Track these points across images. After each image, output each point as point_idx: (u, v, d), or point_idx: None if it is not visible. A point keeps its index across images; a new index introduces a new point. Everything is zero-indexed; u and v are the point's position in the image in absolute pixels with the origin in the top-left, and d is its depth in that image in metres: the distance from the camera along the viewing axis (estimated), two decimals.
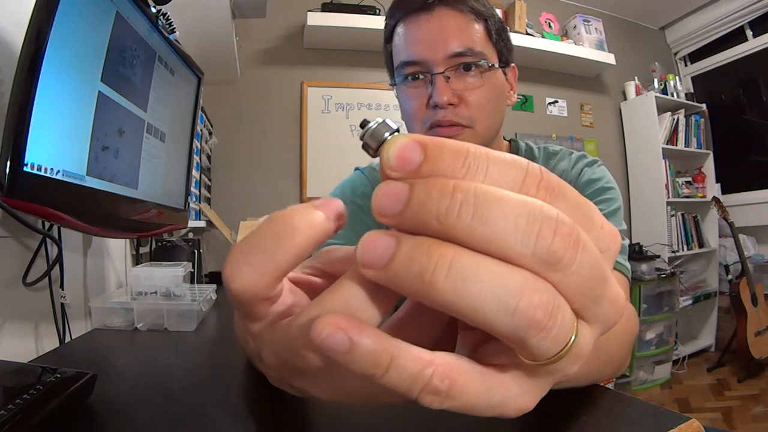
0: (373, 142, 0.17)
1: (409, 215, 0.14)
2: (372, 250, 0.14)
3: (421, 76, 0.62)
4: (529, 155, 0.72)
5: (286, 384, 0.21)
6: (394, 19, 0.65)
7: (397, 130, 0.17)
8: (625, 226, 0.64)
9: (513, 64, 0.68)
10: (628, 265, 0.59)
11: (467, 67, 0.60)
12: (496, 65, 0.63)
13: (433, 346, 0.17)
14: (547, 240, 0.14)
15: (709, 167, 2.99)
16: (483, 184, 0.14)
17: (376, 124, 0.17)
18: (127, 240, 1.00)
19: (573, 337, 0.15)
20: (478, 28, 0.62)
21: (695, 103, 3.01)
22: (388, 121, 0.17)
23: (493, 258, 0.14)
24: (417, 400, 0.15)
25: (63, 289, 0.66)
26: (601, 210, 0.65)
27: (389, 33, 0.67)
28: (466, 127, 0.61)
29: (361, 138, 0.17)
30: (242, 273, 0.17)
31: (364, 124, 0.18)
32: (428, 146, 0.15)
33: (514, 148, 0.73)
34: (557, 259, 0.14)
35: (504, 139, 0.74)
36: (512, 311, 0.14)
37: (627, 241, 0.63)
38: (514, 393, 0.16)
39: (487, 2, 0.64)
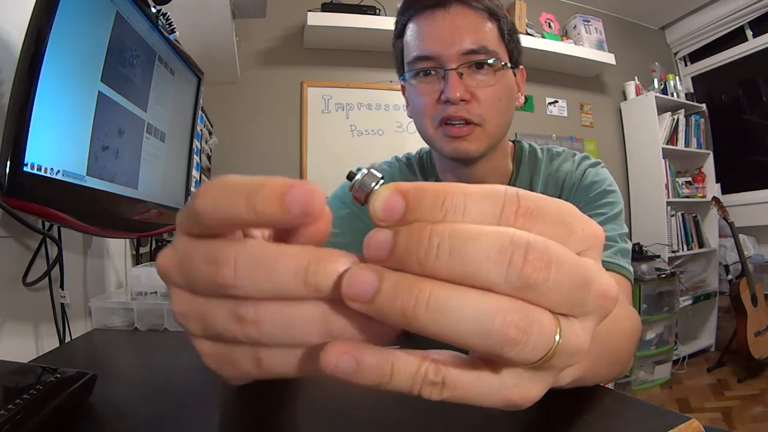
0: (361, 194, 0.18)
1: (395, 260, 0.16)
2: (356, 286, 0.16)
3: (433, 72, 0.62)
4: (533, 156, 0.72)
5: (216, 357, 0.21)
6: (407, 14, 0.65)
7: (382, 179, 0.18)
8: (626, 229, 0.64)
9: (521, 66, 0.68)
10: (631, 268, 0.59)
11: (480, 66, 0.60)
12: (508, 64, 0.63)
13: None
14: (517, 267, 0.15)
15: (709, 167, 2.99)
16: (458, 224, 0.16)
17: (362, 176, 0.18)
18: (127, 240, 1.00)
19: (558, 338, 0.16)
20: (491, 27, 0.62)
21: (695, 103, 3.01)
22: (373, 170, 0.18)
23: (471, 287, 0.15)
24: (419, 395, 0.17)
25: (63, 289, 0.65)
26: (603, 214, 0.65)
27: (401, 28, 0.67)
28: (477, 125, 0.61)
29: (350, 190, 0.18)
30: (216, 197, 0.17)
31: (350, 176, 0.19)
32: (409, 195, 0.16)
33: (518, 149, 0.73)
34: (530, 282, 0.15)
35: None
36: (488, 333, 0.15)
37: (629, 245, 0.62)
38: (510, 383, 0.18)
39: (500, 2, 0.64)
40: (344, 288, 0.16)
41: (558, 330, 0.16)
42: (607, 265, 0.56)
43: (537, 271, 0.15)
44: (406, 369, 0.16)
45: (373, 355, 0.16)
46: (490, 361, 0.18)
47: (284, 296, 0.17)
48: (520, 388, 0.18)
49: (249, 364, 0.19)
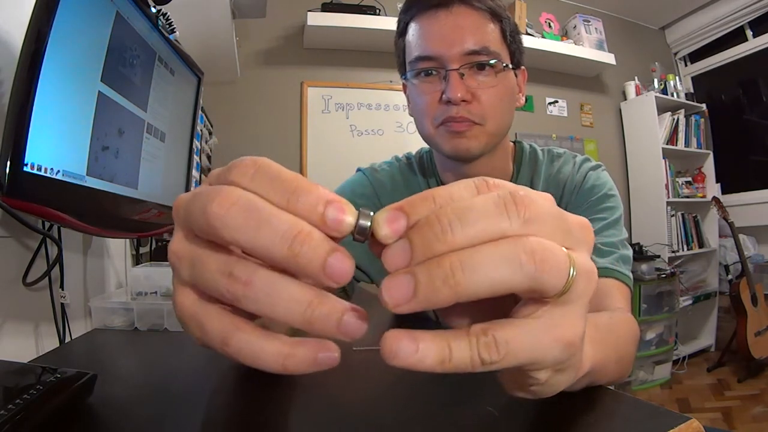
0: (363, 232, 0.19)
1: (418, 256, 0.18)
2: (397, 292, 0.17)
3: (434, 72, 0.62)
4: (533, 157, 0.72)
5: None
6: (409, 13, 0.65)
7: (372, 211, 0.19)
8: (626, 234, 0.64)
9: (523, 67, 0.68)
10: (630, 275, 0.59)
11: (481, 66, 0.60)
12: (510, 66, 0.63)
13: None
14: (513, 210, 0.18)
15: (709, 167, 2.99)
16: (454, 203, 0.18)
17: (355, 219, 0.19)
18: (127, 240, 1.00)
19: (572, 270, 0.19)
20: (493, 27, 0.62)
21: (695, 103, 3.01)
22: (362, 209, 0.19)
23: (487, 242, 0.18)
24: (481, 361, 0.18)
25: (63, 289, 0.65)
26: (603, 219, 0.66)
27: (403, 27, 0.67)
28: (477, 124, 0.61)
29: (351, 233, 0.19)
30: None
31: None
32: (404, 207, 0.19)
33: (518, 149, 0.73)
34: (528, 217, 0.18)
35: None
36: (521, 266, 0.17)
37: (630, 251, 0.62)
38: (552, 322, 0.19)
39: (503, 3, 0.64)
40: (386, 300, 0.17)
41: (570, 259, 0.19)
42: (609, 272, 0.57)
43: (528, 208, 0.18)
44: (461, 340, 0.18)
45: (428, 335, 0.18)
46: (525, 310, 0.20)
47: (263, 254, 0.18)
48: (564, 325, 0.20)
49: (216, 337, 0.20)
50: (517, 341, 0.18)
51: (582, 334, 0.20)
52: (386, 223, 0.18)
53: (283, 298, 0.18)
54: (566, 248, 0.19)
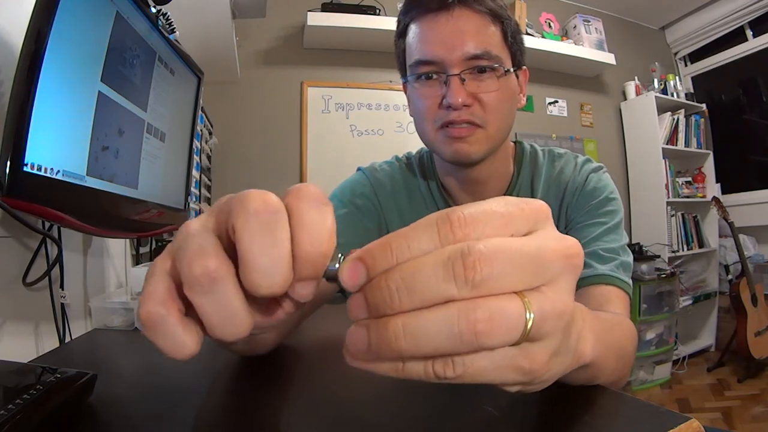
0: (330, 274, 0.20)
1: (373, 313, 0.19)
2: (356, 343, 0.19)
3: (435, 76, 0.61)
4: (533, 157, 0.72)
5: None
6: (409, 15, 0.64)
7: (341, 255, 0.20)
8: (626, 239, 0.63)
9: (524, 67, 0.67)
10: (630, 282, 0.58)
11: (482, 70, 0.60)
12: (511, 70, 0.62)
13: None
14: (461, 276, 0.17)
15: (709, 167, 2.99)
16: (405, 263, 0.18)
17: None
18: (127, 240, 1.00)
19: (530, 315, 0.18)
20: (495, 30, 0.61)
21: (695, 103, 3.01)
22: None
23: (433, 306, 0.18)
24: (435, 375, 0.19)
25: (63, 289, 0.66)
26: (604, 223, 0.65)
27: (403, 29, 0.66)
28: (479, 126, 0.60)
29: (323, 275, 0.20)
30: None
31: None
32: (364, 259, 0.19)
33: (519, 150, 0.73)
34: (477, 282, 0.17)
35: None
36: (459, 335, 0.17)
37: (630, 257, 0.61)
38: (514, 353, 0.19)
39: (504, 3, 0.63)
40: (348, 349, 0.19)
41: (525, 305, 0.18)
42: (609, 279, 0.57)
43: (478, 271, 0.17)
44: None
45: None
46: None
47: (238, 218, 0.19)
48: (526, 356, 0.19)
49: (146, 300, 0.20)
50: (475, 365, 0.19)
51: (545, 361, 0.20)
52: (348, 276, 0.19)
53: (219, 279, 0.19)
54: (537, 287, 0.19)
